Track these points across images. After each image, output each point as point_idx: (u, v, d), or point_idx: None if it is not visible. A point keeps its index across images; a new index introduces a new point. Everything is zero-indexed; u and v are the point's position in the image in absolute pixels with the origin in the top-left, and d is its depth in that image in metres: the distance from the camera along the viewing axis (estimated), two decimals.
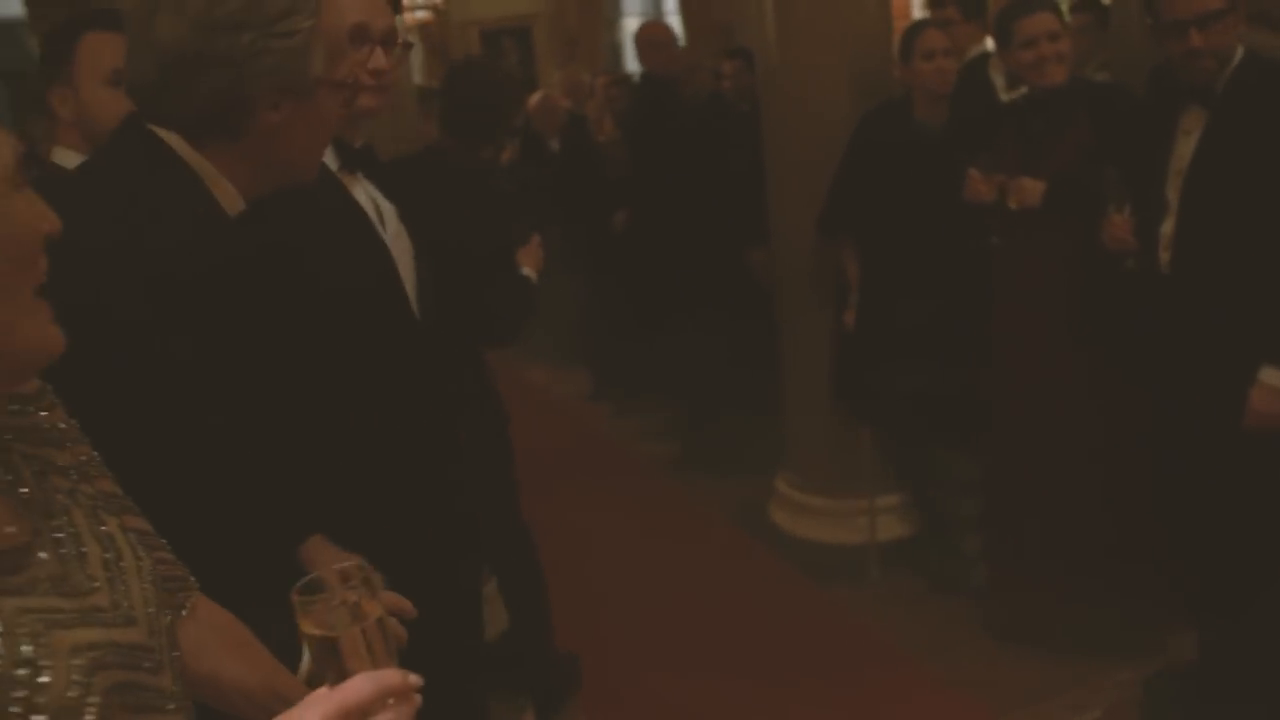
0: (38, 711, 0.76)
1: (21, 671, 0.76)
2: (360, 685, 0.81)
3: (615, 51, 11.15)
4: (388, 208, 1.46)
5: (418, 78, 9.49)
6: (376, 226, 1.41)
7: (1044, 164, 2.89)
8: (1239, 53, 2.43)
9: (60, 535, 0.88)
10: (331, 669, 0.84)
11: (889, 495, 3.70)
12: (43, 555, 0.85)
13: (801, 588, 3.65)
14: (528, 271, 2.79)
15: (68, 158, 2.00)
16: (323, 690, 0.84)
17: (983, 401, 3.16)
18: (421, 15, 9.37)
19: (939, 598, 3.44)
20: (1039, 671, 2.98)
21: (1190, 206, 2.48)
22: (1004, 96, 3.57)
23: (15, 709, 0.76)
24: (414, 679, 0.84)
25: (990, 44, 3.85)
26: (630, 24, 11.58)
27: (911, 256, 3.31)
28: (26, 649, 0.77)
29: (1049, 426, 2.98)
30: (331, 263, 1.28)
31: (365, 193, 1.43)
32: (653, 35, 5.19)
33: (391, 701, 0.82)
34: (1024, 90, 3.41)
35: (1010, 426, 3.09)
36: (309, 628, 0.86)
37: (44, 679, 0.77)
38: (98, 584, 0.88)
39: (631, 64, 11.33)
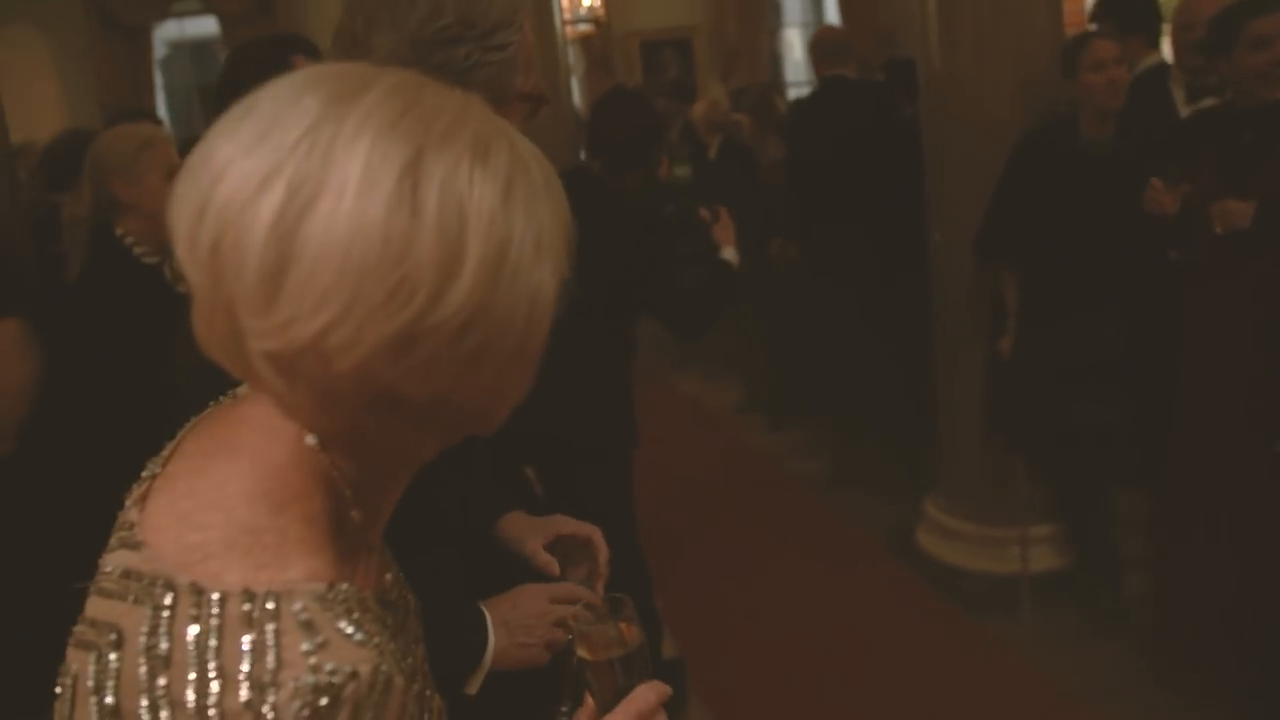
0: None
1: None
2: (646, 693, 0.94)
3: (776, 62, 11.09)
4: None
5: (577, 92, 9.67)
6: None
7: (1252, 182, 2.67)
8: None
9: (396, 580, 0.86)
10: (604, 687, 0.97)
11: (1042, 525, 3.53)
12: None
13: (950, 617, 3.52)
14: (728, 254, 2.80)
15: None
16: (589, 706, 0.95)
17: (1161, 436, 2.96)
18: (583, 28, 9.53)
19: (1097, 638, 3.24)
20: None
21: None
22: (1183, 110, 3.36)
23: None
24: (668, 689, 0.96)
25: (1167, 55, 3.63)
26: (791, 34, 11.50)
27: (1078, 281, 3.14)
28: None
29: (1235, 466, 2.77)
30: None
31: None
32: (829, 39, 4.82)
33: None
34: (1208, 102, 3.20)
35: (1193, 464, 2.89)
36: (585, 653, 0.99)
37: None
38: (419, 636, 0.85)
39: (791, 74, 11.25)
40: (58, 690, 0.70)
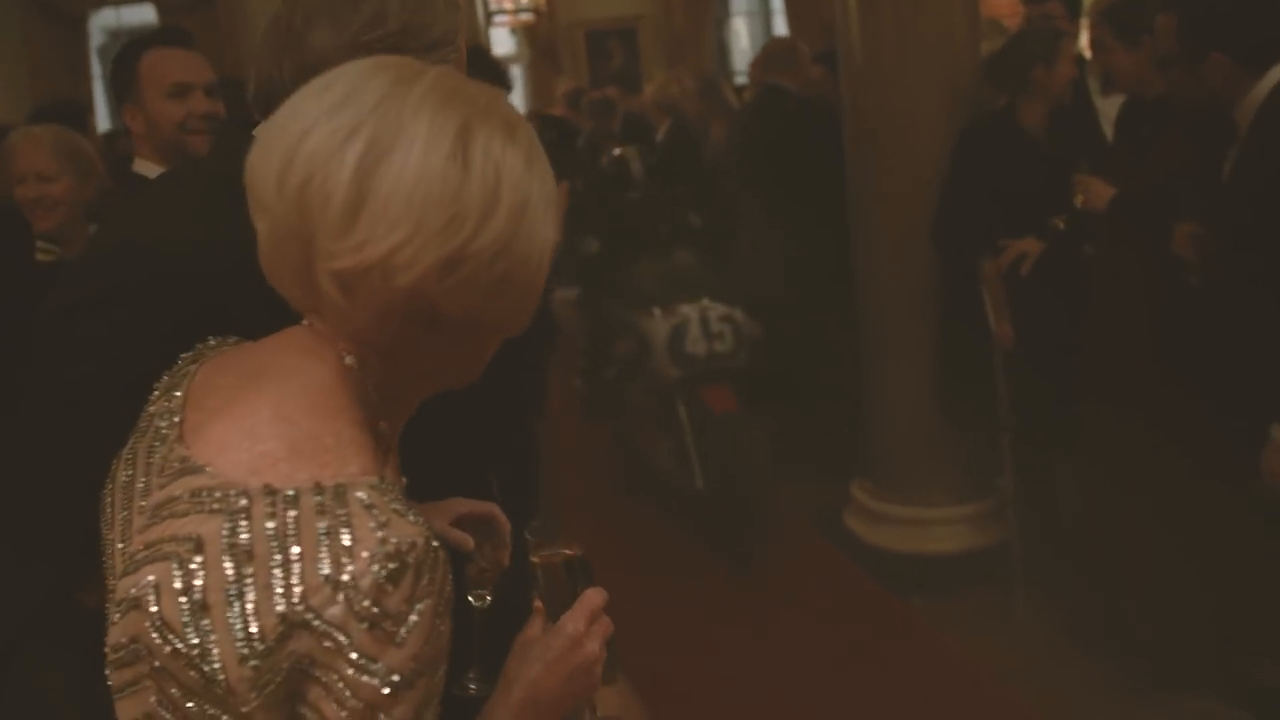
0: None
1: None
2: (596, 594, 1.04)
3: (723, 51, 11.13)
4: None
5: (524, 94, 9.54)
6: None
7: (1140, 172, 2.80)
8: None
9: None
10: (560, 590, 1.07)
11: (967, 505, 3.62)
12: None
13: (878, 598, 3.58)
14: None
15: (147, 168, 2.13)
16: (539, 610, 1.06)
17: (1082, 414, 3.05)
18: (525, 17, 9.50)
19: (1026, 616, 3.33)
20: (1131, 700, 2.86)
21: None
22: (1098, 101, 3.45)
23: None
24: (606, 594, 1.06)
25: (1084, 46, 3.72)
26: (738, 24, 11.53)
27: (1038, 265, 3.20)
28: None
29: (1133, 446, 2.86)
30: None
31: None
32: (777, 50, 4.89)
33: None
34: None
35: (1099, 446, 2.98)
36: (537, 558, 1.12)
37: None
38: None
39: (739, 62, 11.29)
40: (130, 603, 0.80)
